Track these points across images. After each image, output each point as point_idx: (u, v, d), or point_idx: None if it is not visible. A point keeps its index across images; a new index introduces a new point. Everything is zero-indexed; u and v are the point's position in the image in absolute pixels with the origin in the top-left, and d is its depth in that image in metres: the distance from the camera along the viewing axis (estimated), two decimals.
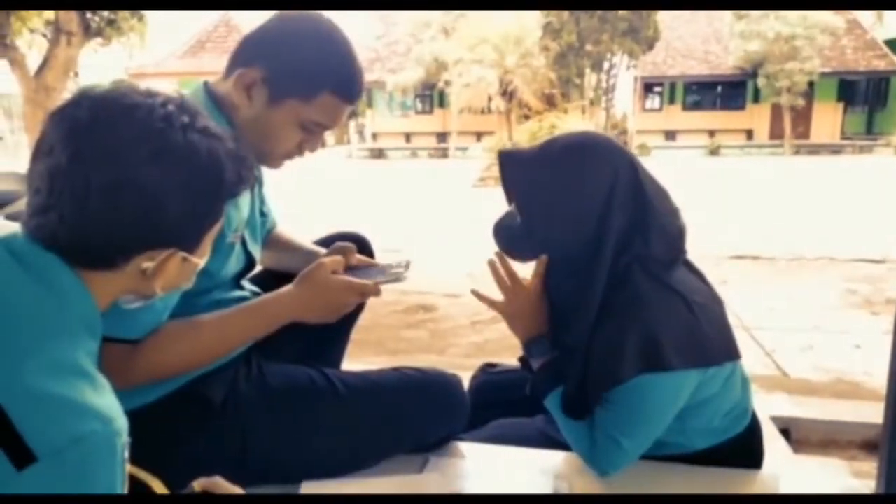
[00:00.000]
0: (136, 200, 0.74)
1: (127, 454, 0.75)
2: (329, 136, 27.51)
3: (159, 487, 1.03)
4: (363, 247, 1.49)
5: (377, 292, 1.18)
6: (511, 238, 1.23)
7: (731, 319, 1.20)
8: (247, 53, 1.12)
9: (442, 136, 22.16)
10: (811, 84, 19.55)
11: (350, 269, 1.25)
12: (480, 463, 1.24)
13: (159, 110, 0.77)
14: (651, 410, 1.11)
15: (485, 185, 11.45)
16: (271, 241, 1.50)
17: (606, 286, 1.12)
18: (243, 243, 1.25)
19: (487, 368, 1.67)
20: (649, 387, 1.08)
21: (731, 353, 1.16)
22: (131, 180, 0.74)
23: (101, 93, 0.77)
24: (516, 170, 1.19)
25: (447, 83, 17.76)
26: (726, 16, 20.90)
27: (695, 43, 22.26)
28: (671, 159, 16.15)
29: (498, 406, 1.51)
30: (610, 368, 1.08)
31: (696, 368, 1.10)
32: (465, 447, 1.30)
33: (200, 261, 0.85)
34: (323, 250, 1.42)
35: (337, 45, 1.13)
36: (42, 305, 0.73)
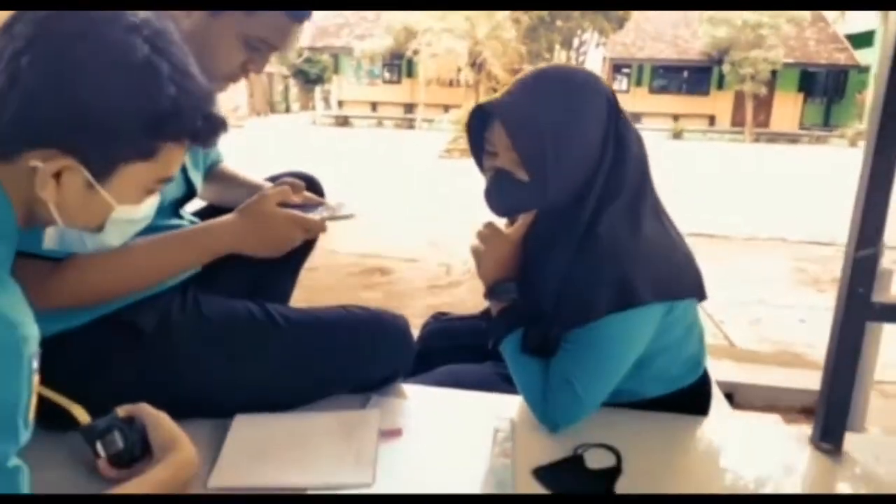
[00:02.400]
0: (43, 73, 0.68)
1: (36, 365, 0.70)
2: (294, 102, 26.90)
3: (81, 415, 0.98)
4: (313, 187, 1.43)
5: (323, 228, 1.13)
6: (511, 200, 1.12)
7: None
8: None
9: (409, 107, 21.93)
10: (774, 73, 19.94)
11: (295, 206, 1.19)
12: (423, 403, 1.21)
13: (129, 18, 0.72)
14: (614, 349, 1.08)
15: (450, 156, 11.37)
16: (215, 175, 1.44)
17: (584, 225, 1.07)
18: (183, 169, 1.18)
19: (439, 316, 1.65)
20: (616, 325, 1.05)
21: (697, 288, 1.15)
22: (53, 54, 0.68)
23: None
24: (513, 118, 1.04)
25: (416, 52, 17.51)
26: None
27: (665, 26, 22.40)
28: None
29: (448, 352, 1.49)
30: (581, 306, 1.05)
31: (665, 301, 1.08)
32: (408, 388, 1.27)
33: (111, 200, 0.76)
34: (269, 185, 1.36)
35: None
36: None
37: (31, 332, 0.70)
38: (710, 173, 11.21)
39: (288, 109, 26.16)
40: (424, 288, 3.97)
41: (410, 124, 20.72)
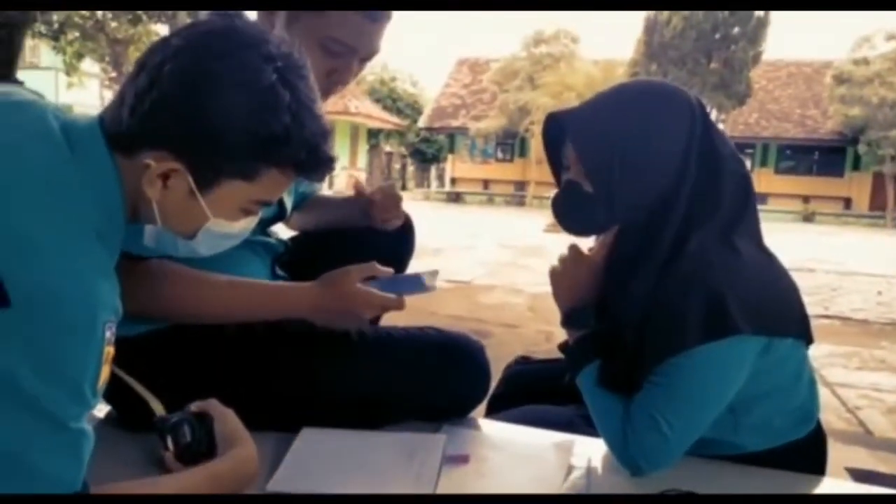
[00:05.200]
0: (178, 81, 0.74)
1: (110, 336, 0.73)
2: (409, 180, 28.13)
3: (157, 407, 1.01)
4: (404, 222, 1.46)
5: (400, 306, 1.08)
6: (575, 212, 1.09)
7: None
8: None
9: (520, 185, 22.22)
10: None
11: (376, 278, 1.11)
12: (496, 436, 1.14)
13: (268, 48, 0.77)
14: (704, 384, 0.98)
15: (555, 230, 11.29)
16: (312, 202, 1.49)
17: (669, 246, 1.00)
18: None
19: (522, 360, 1.58)
20: (706, 356, 0.95)
21: (802, 329, 1.03)
22: (191, 67, 0.74)
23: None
24: (580, 127, 1.03)
25: (528, 130, 17.91)
26: (826, 79, 20.17)
27: (791, 105, 21.54)
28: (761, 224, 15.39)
29: (530, 395, 1.42)
30: (668, 335, 0.96)
31: (762, 335, 0.97)
32: (482, 422, 1.21)
33: (208, 210, 0.80)
34: (364, 198, 1.35)
35: None
36: (63, 166, 0.73)
37: (111, 302, 0.72)
38: (845, 256, 10.32)
39: (404, 186, 27.41)
40: (522, 353, 3.87)
41: (521, 201, 20.94)
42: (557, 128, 1.09)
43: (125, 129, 0.76)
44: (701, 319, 0.95)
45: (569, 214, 1.09)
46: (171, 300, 1.03)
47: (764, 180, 20.96)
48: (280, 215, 1.30)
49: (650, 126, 1.00)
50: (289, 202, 1.31)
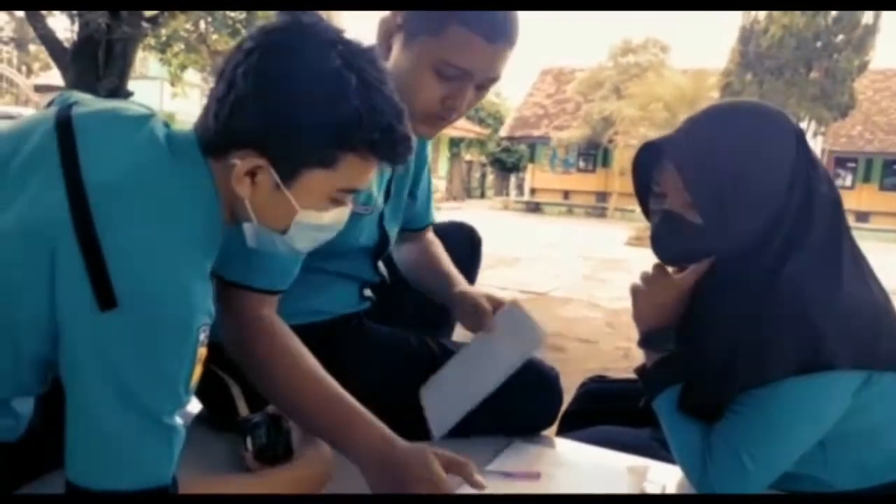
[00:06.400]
0: (251, 81, 0.77)
1: (203, 338, 0.77)
2: (489, 189, 28.17)
3: (242, 407, 1.07)
4: (472, 238, 1.47)
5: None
6: (682, 244, 1.03)
7: None
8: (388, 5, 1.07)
9: (601, 196, 21.78)
10: None
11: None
12: (567, 456, 1.13)
13: (330, 34, 0.80)
14: (793, 420, 0.94)
15: (640, 243, 10.99)
16: (420, 242, 1.39)
17: (764, 273, 0.96)
18: (380, 218, 1.19)
19: (597, 378, 1.56)
20: (798, 391, 0.92)
21: None
22: (259, 64, 0.77)
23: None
24: (687, 155, 0.97)
25: (611, 141, 17.57)
26: None
27: None
28: (862, 243, 14.35)
29: (604, 415, 1.39)
30: (757, 365, 0.93)
31: (863, 369, 0.93)
32: (555, 439, 1.21)
33: (295, 202, 0.81)
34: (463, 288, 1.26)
35: None
36: (170, 178, 0.78)
37: (205, 306, 0.77)
38: None
39: (483, 195, 27.48)
40: (598, 369, 3.79)
41: (602, 213, 20.52)
42: (649, 154, 1.05)
43: (213, 135, 0.80)
44: (793, 350, 0.92)
45: (672, 247, 1.05)
46: (257, 371, 0.97)
47: (867, 197, 19.58)
48: (383, 244, 1.24)
49: (761, 154, 0.97)
50: (392, 230, 1.26)
